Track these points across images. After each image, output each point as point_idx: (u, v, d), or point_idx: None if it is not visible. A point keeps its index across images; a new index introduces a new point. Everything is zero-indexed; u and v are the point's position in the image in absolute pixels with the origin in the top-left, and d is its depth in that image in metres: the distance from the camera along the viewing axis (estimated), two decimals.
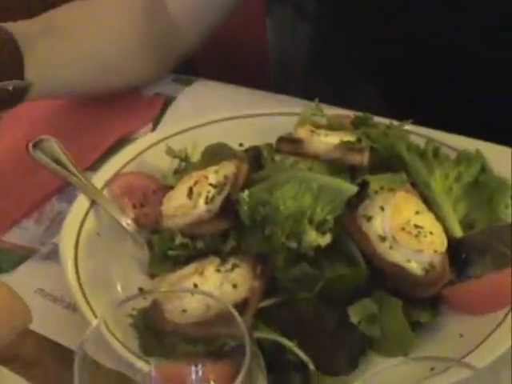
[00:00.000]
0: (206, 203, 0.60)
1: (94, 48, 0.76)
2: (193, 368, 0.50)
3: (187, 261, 0.59)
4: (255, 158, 0.64)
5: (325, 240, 0.56)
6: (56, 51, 0.73)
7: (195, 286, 0.55)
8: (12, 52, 0.67)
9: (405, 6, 0.77)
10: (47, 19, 0.75)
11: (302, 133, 0.63)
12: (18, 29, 0.70)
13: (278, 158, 0.62)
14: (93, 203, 0.68)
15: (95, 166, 0.75)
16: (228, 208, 0.59)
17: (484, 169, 0.64)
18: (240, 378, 0.39)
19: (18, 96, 0.69)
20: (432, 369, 0.47)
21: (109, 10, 0.78)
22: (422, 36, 0.78)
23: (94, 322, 0.45)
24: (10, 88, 0.67)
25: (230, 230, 0.58)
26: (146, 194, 0.68)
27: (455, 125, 0.68)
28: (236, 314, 0.44)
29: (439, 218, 0.60)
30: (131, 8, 0.78)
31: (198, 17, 0.82)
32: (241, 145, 0.72)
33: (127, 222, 0.67)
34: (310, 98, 0.71)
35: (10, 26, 0.70)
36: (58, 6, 0.77)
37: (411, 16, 0.78)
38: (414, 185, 0.62)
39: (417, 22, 0.78)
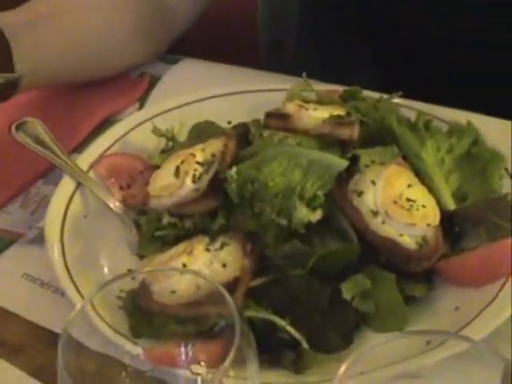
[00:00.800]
0: (194, 182, 0.58)
1: (84, 34, 0.75)
2: (183, 349, 0.49)
3: (176, 241, 0.58)
4: (243, 134, 0.62)
5: (315, 216, 0.55)
6: (45, 41, 0.71)
7: (184, 265, 0.54)
8: (1, 45, 0.66)
9: None
10: (32, 7, 0.73)
11: (291, 108, 0.62)
12: (4, 20, 0.68)
13: (266, 133, 0.61)
14: (78, 185, 0.66)
15: (81, 148, 0.74)
16: (216, 186, 0.57)
17: (476, 140, 0.63)
18: (230, 356, 0.38)
19: (9, 89, 0.68)
20: (428, 343, 0.47)
21: None
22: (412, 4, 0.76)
23: (79, 304, 0.44)
24: (2, 81, 0.66)
25: (219, 209, 0.57)
26: (133, 175, 0.67)
27: (446, 96, 0.67)
28: (225, 292, 0.43)
29: (432, 190, 0.59)
30: None
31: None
32: (229, 122, 0.70)
33: (114, 203, 0.65)
34: (300, 72, 0.69)
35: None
36: None
37: None
38: (405, 158, 0.61)
39: None
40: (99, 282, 0.58)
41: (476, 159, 0.62)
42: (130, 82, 0.84)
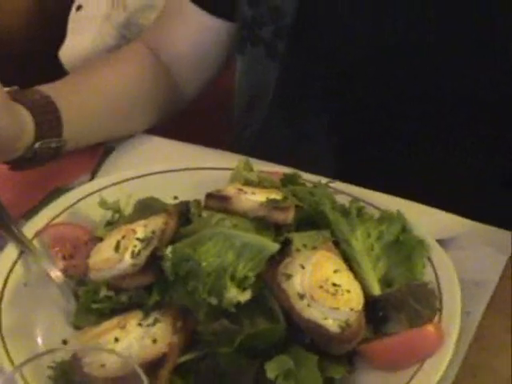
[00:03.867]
0: (132, 257, 0.61)
1: (107, 103, 0.84)
2: None
3: (112, 314, 0.60)
4: (184, 213, 0.65)
5: (245, 296, 0.57)
6: (77, 113, 0.79)
7: (116, 339, 0.56)
8: (54, 112, 0.74)
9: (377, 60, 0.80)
10: (66, 85, 0.82)
11: (231, 190, 0.65)
12: (49, 92, 0.76)
13: (205, 214, 0.64)
14: (21, 253, 0.68)
15: (29, 215, 0.76)
16: (153, 262, 0.60)
17: (404, 228, 0.67)
18: None
19: (55, 153, 0.76)
20: None
21: (120, 70, 0.87)
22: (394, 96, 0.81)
23: (8, 371, 0.45)
24: (53, 145, 0.74)
25: (154, 285, 0.60)
26: (77, 245, 0.69)
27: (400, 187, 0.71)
28: (141, 372, 0.46)
29: (359, 276, 0.62)
30: (139, 70, 0.88)
31: (196, 74, 0.91)
32: (175, 197, 0.73)
33: (56, 273, 0.67)
34: (267, 142, 0.73)
35: (42, 88, 0.76)
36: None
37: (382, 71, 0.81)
38: (336, 243, 0.64)
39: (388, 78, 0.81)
40: (32, 352, 0.59)
41: (403, 246, 0.66)
42: (84, 151, 0.87)
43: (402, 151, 0.82)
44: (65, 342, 0.62)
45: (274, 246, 0.60)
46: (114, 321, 0.58)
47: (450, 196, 0.73)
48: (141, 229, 0.63)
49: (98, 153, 0.87)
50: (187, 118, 1.01)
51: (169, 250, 0.58)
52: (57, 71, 1.09)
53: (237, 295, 0.57)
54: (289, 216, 0.63)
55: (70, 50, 1.23)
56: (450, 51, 0.78)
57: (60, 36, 1.21)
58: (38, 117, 0.72)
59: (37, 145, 0.72)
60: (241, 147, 0.88)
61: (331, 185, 0.71)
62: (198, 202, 0.66)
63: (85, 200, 0.74)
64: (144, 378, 0.43)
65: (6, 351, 0.58)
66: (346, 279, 0.60)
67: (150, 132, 0.90)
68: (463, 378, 0.58)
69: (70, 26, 1.23)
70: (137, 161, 0.85)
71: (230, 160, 0.80)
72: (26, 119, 0.71)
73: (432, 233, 0.68)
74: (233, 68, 0.97)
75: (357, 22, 0.80)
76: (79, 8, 1.26)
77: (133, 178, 0.76)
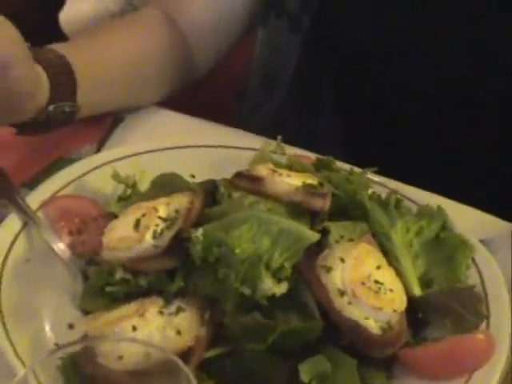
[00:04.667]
0: (154, 238, 0.55)
1: (122, 69, 0.79)
2: None
3: (126, 299, 0.54)
4: (210, 192, 0.59)
5: (281, 289, 0.52)
6: (95, 76, 0.75)
7: (134, 328, 0.50)
8: (69, 74, 0.69)
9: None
10: (81, 47, 0.77)
11: (263, 170, 0.59)
12: (63, 52, 0.71)
13: (235, 194, 0.58)
14: (24, 225, 0.61)
15: (32, 184, 0.69)
16: (177, 245, 0.54)
17: (445, 225, 0.62)
18: None
19: (67, 118, 0.70)
20: None
21: (136, 35, 0.81)
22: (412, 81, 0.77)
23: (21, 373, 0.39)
24: (67, 109, 0.69)
25: (178, 269, 0.54)
26: (86, 220, 0.63)
27: (418, 180, 0.67)
28: (183, 365, 0.40)
29: (398, 273, 0.57)
30: (156, 37, 0.82)
31: (213, 43, 0.85)
32: (192, 176, 0.67)
33: (62, 249, 0.61)
34: (280, 122, 0.68)
35: (57, 47, 0.71)
36: None
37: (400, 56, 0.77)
38: (374, 236, 0.59)
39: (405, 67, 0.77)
40: (34, 334, 0.53)
41: (444, 245, 0.61)
42: (91, 120, 0.80)
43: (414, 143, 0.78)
44: (71, 326, 0.55)
45: (314, 236, 0.54)
46: (131, 307, 0.52)
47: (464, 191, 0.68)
48: (163, 207, 0.57)
49: (106, 123, 0.80)
50: (197, 93, 0.96)
51: (199, 233, 0.51)
52: (56, 34, 1.03)
53: (272, 287, 0.51)
54: (327, 203, 0.58)
55: (70, 14, 1.16)
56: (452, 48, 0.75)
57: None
58: (53, 77, 0.66)
59: (51, 107, 0.66)
60: (250, 126, 0.83)
61: (368, 174, 0.65)
62: (226, 180, 0.60)
63: (94, 172, 0.67)
64: (186, 369, 0.37)
65: (6, 332, 0.51)
66: (388, 277, 0.55)
67: (160, 105, 0.84)
68: None
69: None
70: (146, 134, 0.79)
71: (244, 139, 0.74)
72: (41, 77, 0.65)
73: (471, 232, 0.63)
74: (249, 45, 0.92)
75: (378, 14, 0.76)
76: None
77: (147, 152, 0.70)
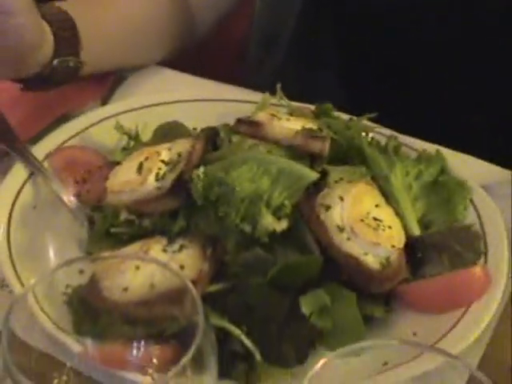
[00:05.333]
0: (157, 180, 0.56)
1: (124, 27, 0.80)
2: (130, 351, 0.46)
3: (130, 240, 0.55)
4: (211, 138, 0.60)
5: (281, 225, 0.53)
6: (98, 34, 0.76)
7: (137, 267, 0.51)
8: (72, 29, 0.70)
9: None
10: (82, 3, 0.77)
11: (263, 116, 0.60)
12: (66, 8, 0.72)
13: (235, 139, 0.59)
14: (31, 174, 0.63)
15: (37, 139, 0.70)
16: (179, 186, 0.55)
17: (444, 169, 0.63)
18: (188, 356, 0.36)
19: (72, 73, 0.71)
20: (385, 364, 0.45)
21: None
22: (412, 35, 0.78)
23: (20, 292, 0.40)
24: (71, 64, 0.70)
25: (180, 210, 0.55)
26: (90, 170, 0.64)
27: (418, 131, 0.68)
28: (191, 286, 0.40)
29: (398, 214, 0.58)
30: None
31: (213, 5, 0.86)
32: (195, 129, 0.68)
33: (68, 197, 0.62)
34: (282, 79, 0.69)
35: (60, 3, 0.72)
36: None
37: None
38: (373, 179, 0.60)
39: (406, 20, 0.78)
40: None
41: (442, 188, 0.62)
42: (94, 78, 0.82)
43: (412, 103, 0.79)
44: (81, 272, 0.57)
45: (313, 175, 0.55)
46: (135, 247, 0.54)
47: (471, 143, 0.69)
48: (165, 151, 0.58)
49: (109, 80, 0.81)
50: (200, 56, 0.97)
51: (200, 172, 0.53)
52: None
53: (272, 223, 0.52)
54: (326, 146, 0.59)
55: None
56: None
57: None
58: (57, 31, 0.67)
59: (55, 62, 0.68)
60: (252, 85, 0.84)
61: (366, 122, 0.66)
62: (227, 126, 0.61)
63: (98, 125, 0.69)
64: (194, 293, 0.38)
65: (16, 274, 0.53)
66: (387, 215, 0.56)
67: (163, 65, 0.85)
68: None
69: None
70: (148, 92, 0.79)
71: (247, 95, 0.75)
72: (46, 30, 0.66)
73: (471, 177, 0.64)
74: (251, 11, 0.92)
75: None
76: None
77: (149, 106, 0.71)
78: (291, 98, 0.70)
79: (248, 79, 0.92)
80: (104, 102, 0.79)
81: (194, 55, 0.96)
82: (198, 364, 0.37)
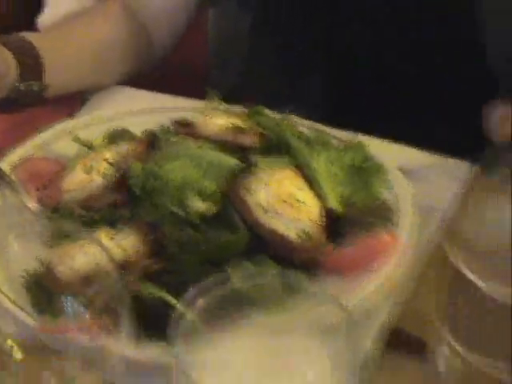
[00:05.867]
0: (103, 178, 0.63)
1: (84, 54, 0.87)
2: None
3: (84, 233, 0.63)
4: (152, 140, 0.68)
5: (209, 208, 0.60)
6: (60, 60, 0.83)
7: (85, 252, 0.59)
8: (35, 56, 0.77)
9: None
10: (46, 34, 0.87)
11: (197, 116, 0.68)
12: (30, 38, 0.80)
13: (173, 139, 0.67)
14: None
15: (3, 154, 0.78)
16: (122, 182, 0.63)
17: (364, 156, 0.70)
18: None
19: (37, 96, 0.79)
20: None
21: (97, 25, 0.91)
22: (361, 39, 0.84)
23: None
24: (35, 88, 0.77)
25: (124, 202, 0.62)
26: (51, 177, 0.72)
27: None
28: (113, 264, 0.48)
29: (321, 196, 0.65)
30: (115, 26, 0.91)
31: (169, 29, 0.95)
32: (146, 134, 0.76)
33: (32, 203, 0.70)
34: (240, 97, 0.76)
35: (24, 35, 0.80)
36: None
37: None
38: (298, 168, 0.67)
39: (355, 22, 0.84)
40: (7, 270, 0.62)
41: (364, 172, 0.69)
42: (60, 101, 0.89)
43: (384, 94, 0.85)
44: (36, 259, 0.64)
45: (238, 164, 0.63)
46: (88, 237, 0.61)
47: (411, 129, 0.76)
48: (110, 153, 0.66)
49: (75, 101, 0.89)
50: (166, 73, 1.04)
51: (136, 167, 0.60)
52: None
53: (202, 207, 0.59)
54: (252, 139, 0.66)
55: (49, 17, 1.25)
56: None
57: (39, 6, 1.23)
58: (20, 57, 0.75)
59: (20, 86, 0.75)
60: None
61: (296, 119, 0.74)
62: (165, 128, 0.69)
63: (60, 138, 0.77)
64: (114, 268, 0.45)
65: None
66: (307, 196, 0.63)
67: (131, 86, 0.92)
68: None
69: None
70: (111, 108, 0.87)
71: (194, 103, 0.81)
72: (9, 58, 0.74)
73: (393, 163, 0.71)
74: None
75: None
76: None
77: (105, 119, 0.79)
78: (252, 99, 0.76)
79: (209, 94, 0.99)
80: None
81: (158, 75, 1.04)
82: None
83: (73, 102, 0.89)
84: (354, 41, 0.85)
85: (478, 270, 0.46)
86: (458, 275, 0.47)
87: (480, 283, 0.45)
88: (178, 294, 0.57)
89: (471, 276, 0.46)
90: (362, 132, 0.74)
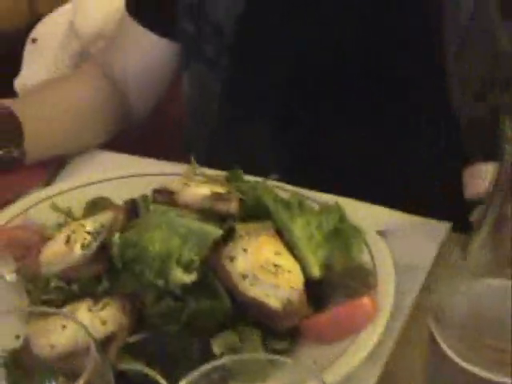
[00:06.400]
0: (82, 248, 0.63)
1: (62, 119, 0.89)
2: None
3: (62, 305, 0.62)
4: (132, 208, 0.69)
5: (190, 278, 0.60)
6: (40, 126, 0.84)
7: (64, 326, 0.58)
8: (14, 123, 0.79)
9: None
10: (25, 100, 0.89)
11: (176, 185, 0.69)
12: (9, 105, 0.81)
13: (152, 207, 0.67)
14: None
15: None
16: (102, 253, 0.63)
17: (342, 218, 0.71)
18: None
19: (17, 161, 0.80)
20: None
21: (75, 90, 0.93)
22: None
23: None
24: (15, 154, 0.79)
25: (104, 273, 0.62)
26: (29, 246, 0.71)
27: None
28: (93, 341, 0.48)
29: (300, 260, 0.66)
30: (92, 90, 0.93)
31: (147, 92, 0.97)
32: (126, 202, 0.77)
33: (10, 274, 0.69)
34: (215, 157, 0.77)
35: (4, 101, 0.82)
36: None
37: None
38: (278, 232, 0.68)
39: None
40: None
41: (341, 234, 0.70)
42: (37, 165, 0.90)
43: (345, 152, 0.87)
44: (18, 337, 0.63)
45: (218, 232, 0.63)
46: (65, 310, 0.61)
47: (385, 191, 0.77)
48: (90, 223, 0.66)
49: (52, 166, 0.90)
50: (145, 135, 1.05)
51: (116, 237, 0.61)
52: None
53: (182, 276, 0.60)
54: (232, 206, 0.67)
55: (26, 80, 1.26)
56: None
57: (16, 69, 1.25)
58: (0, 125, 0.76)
59: (1, 152, 0.76)
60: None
61: (274, 182, 0.75)
62: (145, 196, 0.69)
63: (38, 206, 0.77)
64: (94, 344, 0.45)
65: None
66: (286, 261, 0.63)
67: (109, 149, 0.93)
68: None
69: (26, 57, 1.27)
70: (89, 174, 0.88)
71: (173, 168, 0.83)
72: None
73: (368, 224, 0.72)
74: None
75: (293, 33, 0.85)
76: (34, 41, 1.30)
77: (81, 186, 0.79)
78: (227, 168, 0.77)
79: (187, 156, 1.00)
80: (47, 186, 0.87)
81: (137, 137, 1.05)
82: None
83: (51, 166, 0.89)
84: (322, 114, 0.87)
85: (453, 343, 0.47)
86: (435, 345, 0.48)
87: (456, 359, 0.46)
88: (161, 366, 0.57)
89: (447, 350, 0.46)
90: (339, 194, 0.75)
